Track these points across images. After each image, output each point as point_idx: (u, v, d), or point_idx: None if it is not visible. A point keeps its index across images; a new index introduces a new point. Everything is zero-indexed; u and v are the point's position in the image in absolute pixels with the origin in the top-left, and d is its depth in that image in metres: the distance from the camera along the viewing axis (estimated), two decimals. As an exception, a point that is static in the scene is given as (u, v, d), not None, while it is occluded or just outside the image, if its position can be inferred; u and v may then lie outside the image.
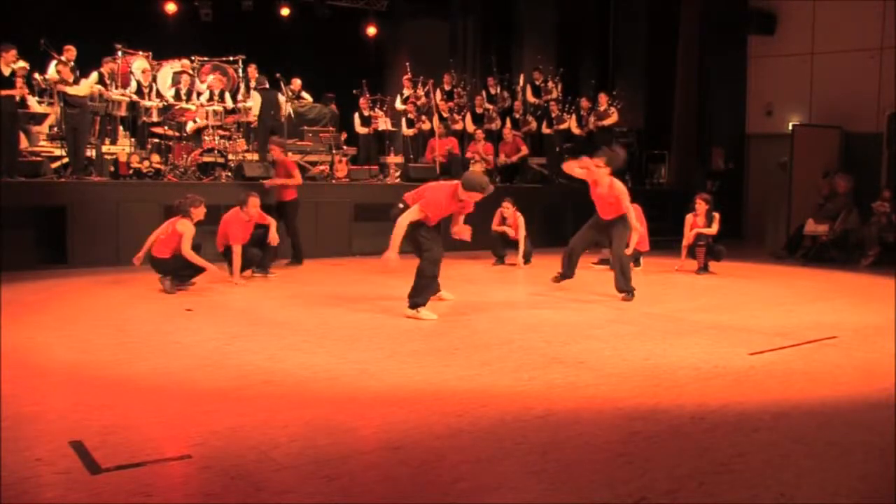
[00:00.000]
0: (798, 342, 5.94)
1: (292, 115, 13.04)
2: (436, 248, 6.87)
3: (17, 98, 10.10)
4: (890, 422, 4.13)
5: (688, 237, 9.98)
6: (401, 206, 6.91)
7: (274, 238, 9.00)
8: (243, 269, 8.77)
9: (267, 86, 12.22)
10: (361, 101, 14.33)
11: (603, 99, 14.40)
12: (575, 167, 8.23)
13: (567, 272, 8.37)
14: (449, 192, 6.87)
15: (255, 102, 12.73)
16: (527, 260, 10.57)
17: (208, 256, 8.36)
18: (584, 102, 14.57)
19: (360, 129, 14.32)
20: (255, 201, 8.82)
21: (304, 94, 14.11)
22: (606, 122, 14.29)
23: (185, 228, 7.98)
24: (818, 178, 12.94)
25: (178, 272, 8.04)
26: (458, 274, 9.18)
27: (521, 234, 10.50)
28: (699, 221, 9.92)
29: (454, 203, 6.91)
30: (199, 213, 8.19)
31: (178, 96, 12.47)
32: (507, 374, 4.93)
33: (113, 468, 3.33)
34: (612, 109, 14.37)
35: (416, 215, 6.70)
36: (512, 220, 10.60)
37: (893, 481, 3.37)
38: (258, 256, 9.00)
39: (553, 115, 14.65)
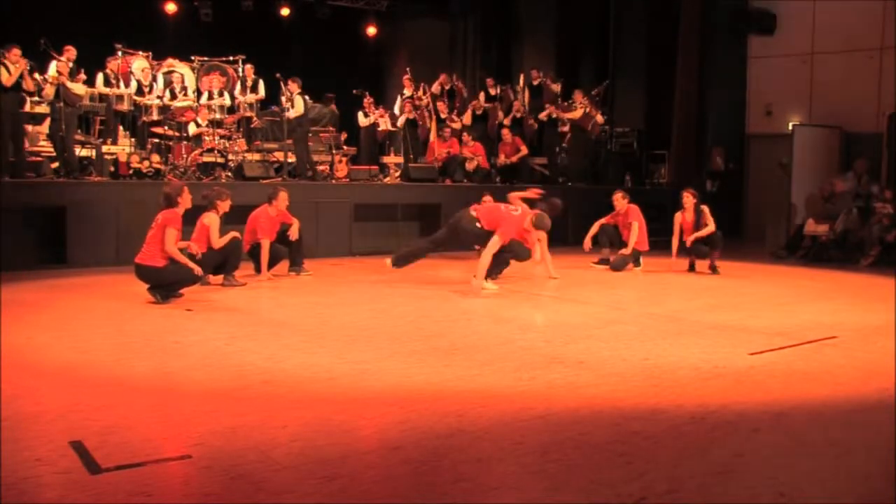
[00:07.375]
0: (798, 342, 5.93)
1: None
2: None
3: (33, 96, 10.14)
4: (890, 422, 4.13)
5: (677, 235, 9.91)
6: (473, 215, 8.25)
7: (294, 233, 9.06)
8: (270, 265, 8.82)
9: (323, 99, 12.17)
10: (365, 101, 14.33)
11: (578, 95, 14.35)
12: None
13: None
14: (520, 222, 8.10)
15: (297, 109, 12.56)
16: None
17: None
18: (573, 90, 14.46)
19: (362, 122, 14.19)
20: (284, 196, 8.91)
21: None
22: (567, 115, 14.22)
23: (212, 220, 8.12)
24: (818, 179, 12.94)
25: (211, 265, 8.10)
26: (456, 275, 9.19)
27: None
28: (688, 217, 9.83)
29: (523, 231, 8.18)
30: (225, 205, 8.29)
31: (173, 96, 12.46)
32: (507, 374, 4.92)
33: (113, 468, 3.33)
34: (577, 105, 14.25)
35: (497, 246, 7.82)
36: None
37: (893, 481, 3.37)
38: (285, 252, 9.08)
39: (553, 115, 14.64)
